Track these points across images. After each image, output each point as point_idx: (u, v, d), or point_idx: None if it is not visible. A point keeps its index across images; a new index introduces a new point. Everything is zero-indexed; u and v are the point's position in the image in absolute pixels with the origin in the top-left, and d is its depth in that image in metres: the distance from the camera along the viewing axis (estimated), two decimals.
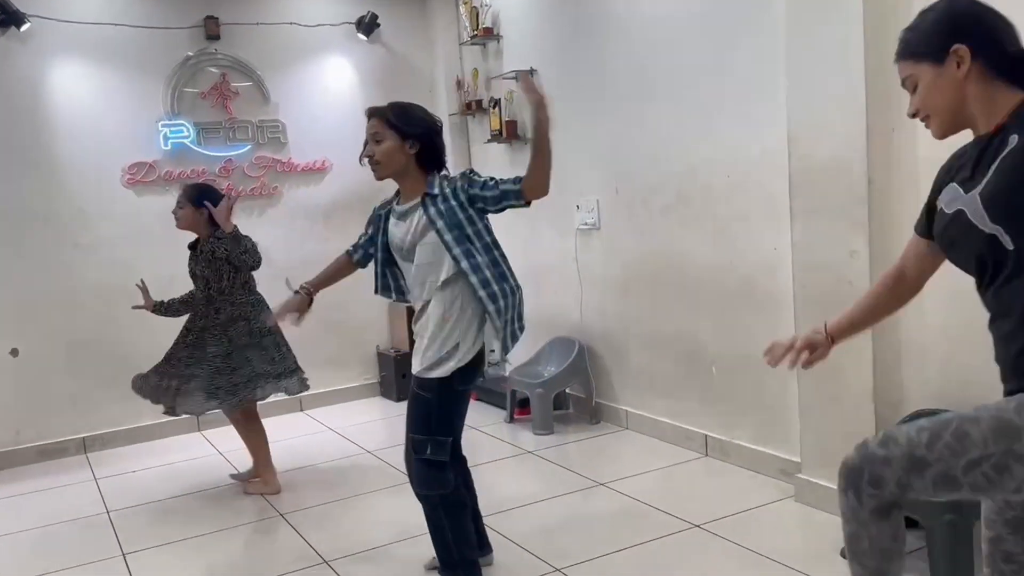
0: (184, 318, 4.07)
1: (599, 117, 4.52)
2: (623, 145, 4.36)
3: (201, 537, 3.55)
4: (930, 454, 1.34)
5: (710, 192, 3.87)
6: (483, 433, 4.79)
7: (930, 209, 1.69)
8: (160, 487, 4.24)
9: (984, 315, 2.83)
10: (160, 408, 4.02)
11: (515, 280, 2.80)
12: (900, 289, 1.93)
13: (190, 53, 5.17)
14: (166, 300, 4.11)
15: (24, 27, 4.72)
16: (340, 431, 5.05)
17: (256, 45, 5.35)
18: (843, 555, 2.88)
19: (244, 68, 5.32)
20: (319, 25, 5.51)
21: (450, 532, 2.74)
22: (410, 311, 6.05)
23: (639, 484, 3.77)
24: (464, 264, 2.63)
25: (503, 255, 2.77)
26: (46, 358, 4.91)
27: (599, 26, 4.44)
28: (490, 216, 2.76)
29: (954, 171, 1.63)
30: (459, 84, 5.65)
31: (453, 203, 2.66)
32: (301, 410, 5.57)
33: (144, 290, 4.12)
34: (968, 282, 2.85)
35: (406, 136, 2.67)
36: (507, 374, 5.18)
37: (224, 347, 3.84)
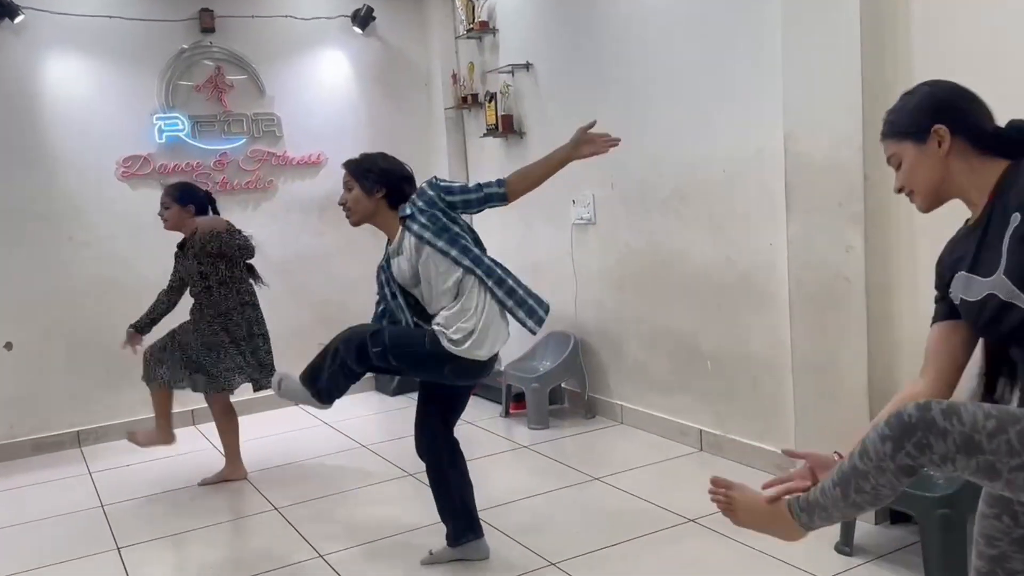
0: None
1: (595, 112, 4.49)
2: (620, 141, 4.35)
3: (196, 531, 3.55)
4: (989, 444, 1.35)
5: (706, 188, 3.87)
6: (478, 428, 4.79)
7: (942, 299, 1.74)
8: (155, 481, 4.24)
9: None
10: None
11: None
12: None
13: (185, 46, 5.14)
14: (139, 323, 4.23)
15: (18, 19, 4.69)
16: (335, 425, 5.05)
17: (251, 38, 5.33)
18: (839, 550, 2.90)
19: (239, 61, 5.30)
20: (314, 18, 5.49)
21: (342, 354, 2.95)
22: None
23: (634, 479, 3.78)
24: (466, 262, 2.84)
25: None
26: (41, 352, 4.89)
27: (595, 21, 4.43)
28: (477, 220, 3.01)
29: (957, 261, 1.69)
30: (455, 78, 5.64)
31: (435, 211, 2.86)
32: (296, 404, 5.56)
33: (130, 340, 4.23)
34: None
35: (370, 185, 2.94)
36: (502, 368, 5.19)
37: (221, 336, 3.93)
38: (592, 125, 2.97)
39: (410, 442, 4.69)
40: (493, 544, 3.13)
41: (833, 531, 2.95)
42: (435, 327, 2.84)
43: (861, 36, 2.92)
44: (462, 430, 4.84)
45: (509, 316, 2.92)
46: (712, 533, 3.15)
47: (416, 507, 3.61)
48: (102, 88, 4.98)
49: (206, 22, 5.15)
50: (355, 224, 3.06)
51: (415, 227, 2.84)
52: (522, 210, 5.26)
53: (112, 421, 5.06)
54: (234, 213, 5.31)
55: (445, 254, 2.81)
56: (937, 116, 1.68)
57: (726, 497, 1.78)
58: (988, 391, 1.71)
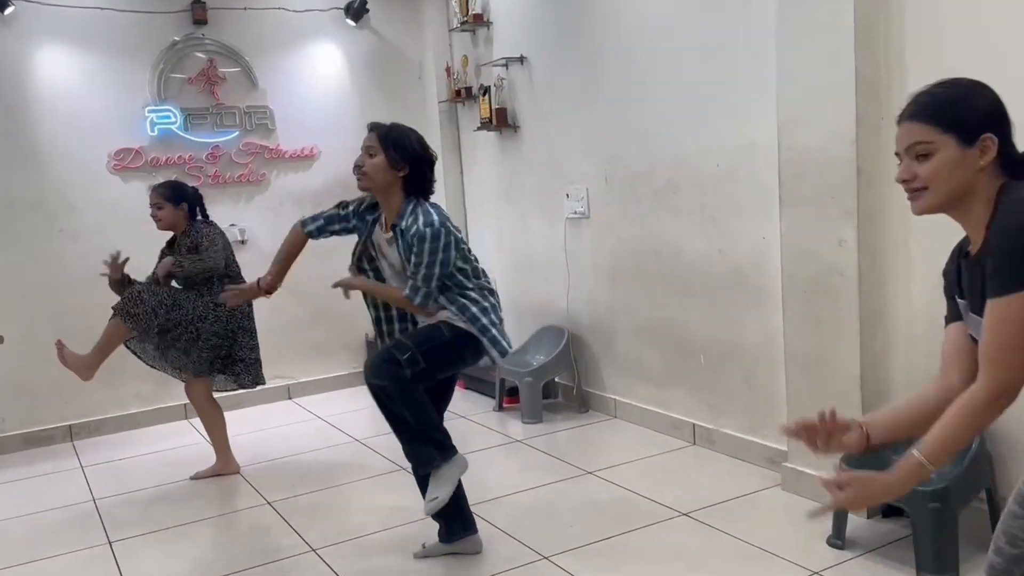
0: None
1: (589, 105, 4.50)
2: (613, 134, 4.35)
3: (188, 525, 3.54)
4: None
5: (700, 181, 3.87)
6: (472, 422, 4.79)
7: (951, 299, 1.71)
8: (147, 475, 4.22)
9: None
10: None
11: (489, 287, 3.03)
12: (951, 397, 1.70)
13: (177, 38, 5.12)
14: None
15: (8, 10, 4.66)
16: (328, 419, 5.05)
17: (244, 30, 5.30)
18: (831, 544, 2.90)
19: (232, 53, 5.28)
20: (307, 10, 5.46)
21: (413, 414, 2.79)
22: None
23: (627, 472, 3.78)
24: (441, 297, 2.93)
25: (474, 268, 2.98)
26: (32, 345, 4.86)
27: (590, 14, 4.41)
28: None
29: (956, 285, 1.67)
30: (449, 71, 5.62)
31: (408, 249, 2.87)
32: (289, 398, 5.56)
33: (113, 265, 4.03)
34: None
35: (397, 159, 2.85)
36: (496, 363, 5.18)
37: (217, 326, 3.94)
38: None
39: None
40: (486, 538, 3.13)
41: (825, 525, 2.96)
42: (443, 314, 2.90)
43: (855, 29, 2.91)
44: (455, 424, 4.85)
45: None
46: (704, 527, 3.15)
47: (409, 501, 3.60)
48: (93, 80, 4.95)
49: (198, 14, 5.12)
50: (363, 189, 2.96)
51: (402, 243, 2.88)
52: (516, 204, 5.26)
53: (104, 415, 5.05)
54: (226, 206, 5.30)
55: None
56: (991, 124, 1.55)
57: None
58: None
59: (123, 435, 4.99)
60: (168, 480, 4.12)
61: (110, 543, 3.41)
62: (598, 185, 4.52)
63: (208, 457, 4.20)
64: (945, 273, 1.73)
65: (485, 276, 3.03)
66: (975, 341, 1.60)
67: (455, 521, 3.01)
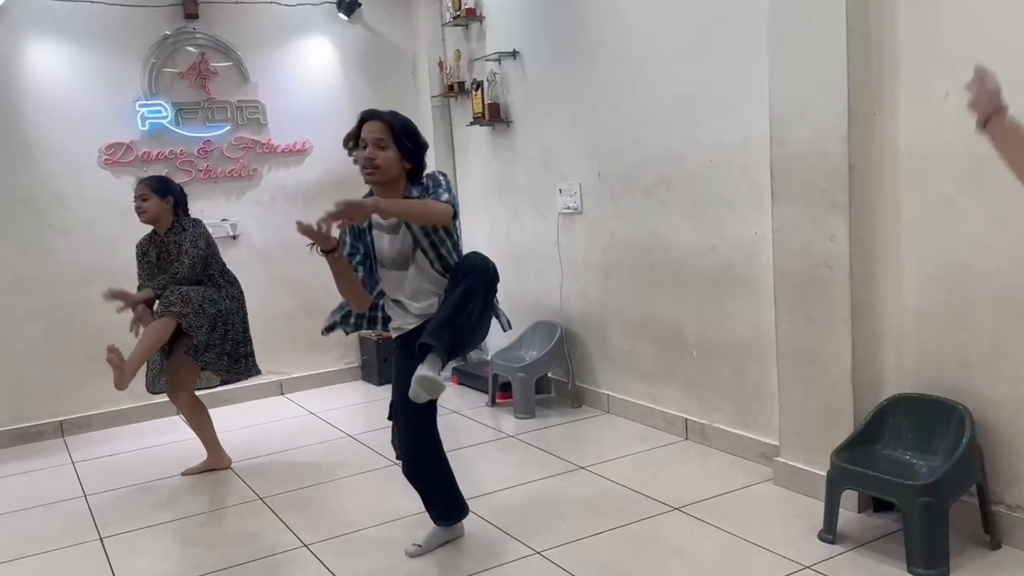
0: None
1: (582, 100, 4.50)
2: (606, 129, 4.35)
3: (179, 521, 3.53)
4: None
5: (692, 176, 3.87)
6: (465, 417, 4.79)
7: None
8: (138, 471, 4.21)
9: (961, 301, 2.87)
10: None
11: None
12: None
13: (168, 32, 5.09)
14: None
15: None
16: (321, 415, 5.04)
17: (235, 24, 5.27)
18: (822, 538, 2.91)
19: (223, 48, 5.25)
20: (299, 4, 5.44)
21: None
22: None
23: (619, 467, 3.78)
24: (438, 266, 2.85)
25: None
26: (21, 340, 4.85)
27: (582, 8, 4.40)
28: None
29: None
30: (441, 66, 5.60)
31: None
32: (282, 393, 5.55)
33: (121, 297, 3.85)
34: (944, 267, 2.88)
35: (408, 152, 2.81)
36: (489, 358, 5.18)
37: (240, 316, 3.99)
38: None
39: None
40: (479, 533, 3.13)
41: (816, 519, 2.97)
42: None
43: (847, 24, 2.91)
44: (448, 419, 4.85)
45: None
46: (697, 521, 3.16)
47: (401, 496, 3.60)
48: (84, 74, 4.92)
49: (189, 8, 5.10)
50: (373, 183, 2.84)
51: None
52: (509, 199, 5.25)
53: (95, 411, 5.03)
54: (218, 201, 5.29)
55: (425, 253, 2.85)
56: None
57: None
58: None
59: (114, 431, 4.98)
60: (159, 476, 4.11)
61: (101, 539, 3.40)
62: (591, 180, 4.52)
63: (199, 452, 4.18)
64: None
65: None
66: None
67: (456, 501, 3.09)
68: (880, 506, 3.09)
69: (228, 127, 5.30)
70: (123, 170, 5.03)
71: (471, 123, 5.29)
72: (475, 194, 5.63)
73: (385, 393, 5.45)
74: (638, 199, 4.20)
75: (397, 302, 2.96)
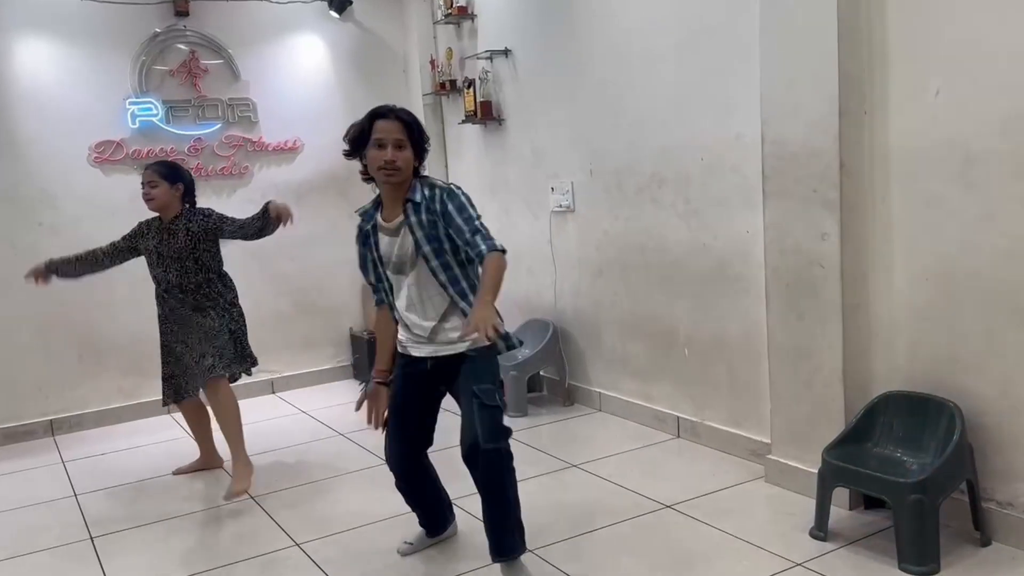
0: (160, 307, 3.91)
1: (574, 98, 4.49)
2: (598, 127, 4.35)
3: (170, 520, 3.52)
4: None
5: (684, 175, 3.87)
6: (455, 415, 4.77)
7: None
8: (129, 470, 4.19)
9: (951, 298, 2.88)
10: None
11: None
12: None
13: (158, 29, 5.07)
14: (56, 259, 3.85)
15: None
16: (313, 413, 5.03)
17: (226, 22, 5.25)
18: (813, 535, 2.92)
19: (214, 45, 5.23)
20: (290, 2, 5.43)
21: (513, 483, 2.71)
22: None
23: (612, 465, 3.79)
24: (442, 276, 2.68)
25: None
26: (12, 340, 4.82)
27: (574, 6, 4.40)
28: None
29: None
30: (433, 64, 5.59)
31: (434, 216, 2.65)
32: (273, 392, 5.54)
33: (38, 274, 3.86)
34: (934, 265, 2.89)
35: (420, 152, 2.70)
36: None
37: (224, 323, 3.80)
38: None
39: None
40: (471, 532, 3.13)
41: (808, 516, 2.98)
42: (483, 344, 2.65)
43: (838, 23, 2.92)
44: (440, 417, 4.84)
45: None
46: (689, 519, 3.16)
47: (394, 496, 3.59)
48: (74, 72, 4.89)
49: (180, 5, 5.07)
50: (396, 184, 2.65)
51: (413, 219, 2.64)
52: (501, 198, 5.24)
53: (85, 410, 5.01)
54: (209, 199, 5.24)
55: (427, 261, 2.67)
56: None
57: None
58: None
59: (105, 430, 4.96)
60: (150, 475, 4.09)
61: (91, 538, 3.39)
62: (583, 178, 4.52)
63: (190, 451, 4.17)
64: None
65: None
66: None
67: (444, 515, 3.10)
68: (871, 503, 3.10)
69: (219, 125, 5.28)
70: (113, 168, 5.00)
71: (463, 121, 5.29)
72: (467, 192, 5.61)
73: None
74: (630, 198, 4.20)
75: (405, 314, 2.77)
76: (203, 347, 3.73)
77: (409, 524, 3.16)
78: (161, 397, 3.96)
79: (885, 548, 2.78)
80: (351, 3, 5.50)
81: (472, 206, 2.68)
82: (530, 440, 4.25)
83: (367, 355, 5.60)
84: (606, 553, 2.96)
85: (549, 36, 4.64)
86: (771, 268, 3.31)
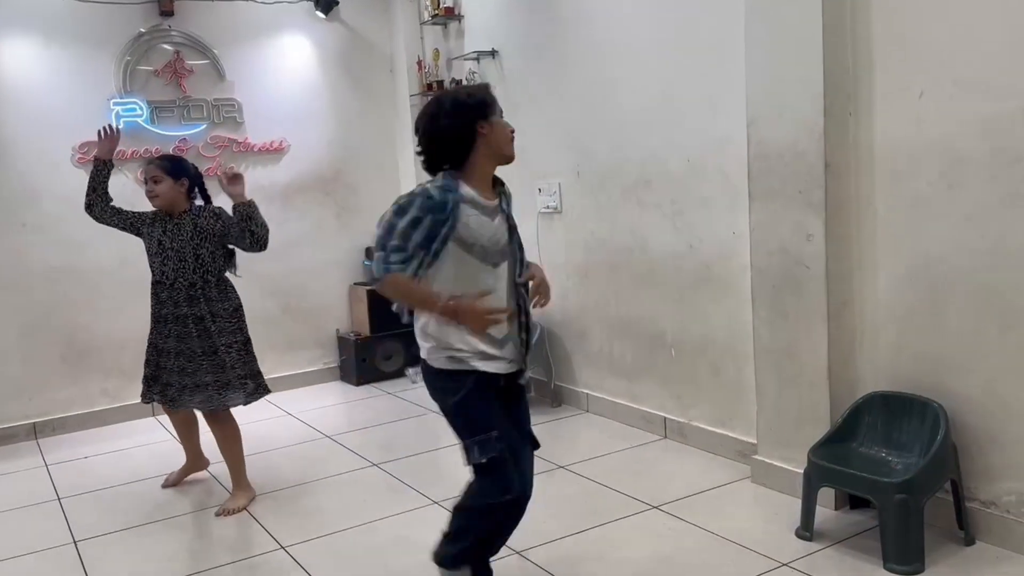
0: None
1: (561, 100, 4.50)
2: (585, 129, 4.35)
3: (155, 523, 3.49)
4: None
5: (671, 176, 3.88)
6: (442, 417, 4.76)
7: None
8: (113, 473, 4.16)
9: (935, 298, 2.90)
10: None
11: None
12: None
13: (143, 29, 5.03)
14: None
15: None
16: (299, 416, 5.00)
17: (211, 22, 5.23)
18: (799, 535, 2.93)
19: (199, 45, 5.20)
20: (276, 2, 5.40)
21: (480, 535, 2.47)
22: (371, 293, 5.99)
23: (598, 466, 3.79)
24: (518, 275, 2.52)
25: None
26: None
27: (560, 8, 4.41)
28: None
29: None
30: (420, 64, 5.58)
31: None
32: None
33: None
34: (919, 266, 2.91)
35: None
36: None
37: (237, 337, 3.62)
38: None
39: (375, 432, 4.68)
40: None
41: (794, 516, 2.99)
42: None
43: (823, 24, 2.93)
44: (426, 419, 4.84)
45: None
46: (675, 519, 3.17)
47: (380, 498, 3.59)
48: (57, 72, 4.85)
49: (165, 5, 5.04)
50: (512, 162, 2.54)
51: (506, 207, 2.51)
52: None
53: (69, 412, 4.96)
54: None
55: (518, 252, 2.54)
56: None
57: None
58: None
59: (89, 432, 4.91)
60: (135, 478, 4.06)
61: (75, 542, 3.36)
62: (570, 180, 4.52)
63: (175, 454, 4.14)
64: None
65: None
66: None
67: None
68: (856, 503, 3.11)
69: (204, 126, 5.25)
70: None
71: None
72: None
73: (364, 393, 5.46)
74: (617, 199, 4.20)
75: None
76: (217, 375, 3.52)
77: (396, 527, 3.14)
78: (143, 396, 3.70)
79: (870, 548, 2.79)
80: (337, 3, 5.49)
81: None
82: None
83: (354, 356, 5.59)
84: (593, 554, 2.95)
85: (536, 38, 4.64)
86: (756, 269, 3.32)
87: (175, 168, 3.53)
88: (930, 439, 2.77)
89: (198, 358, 3.53)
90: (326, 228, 5.70)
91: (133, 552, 3.25)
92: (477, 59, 5.03)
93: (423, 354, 2.49)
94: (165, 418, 4.99)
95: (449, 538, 2.53)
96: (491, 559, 2.60)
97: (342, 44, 5.67)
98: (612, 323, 4.38)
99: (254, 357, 3.69)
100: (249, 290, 5.46)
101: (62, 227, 4.87)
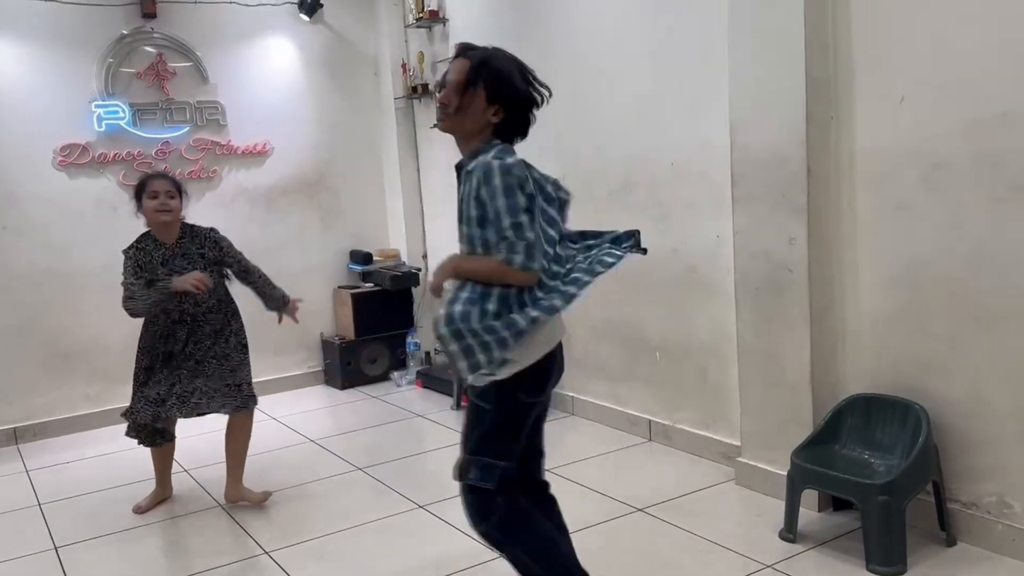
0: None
1: (544, 103, 4.49)
2: (569, 133, 4.36)
3: (137, 528, 3.47)
4: None
5: (655, 180, 3.89)
6: (429, 420, 4.77)
7: None
8: (95, 478, 4.13)
9: (917, 301, 2.92)
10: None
11: None
12: None
13: (125, 31, 5.00)
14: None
15: None
16: (283, 420, 4.98)
17: (194, 24, 5.20)
18: (783, 537, 2.95)
19: (182, 48, 5.17)
20: (260, 4, 5.38)
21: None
22: (355, 296, 5.98)
23: (584, 469, 3.79)
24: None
25: None
26: None
27: (544, 12, 4.41)
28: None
29: None
30: (405, 67, 5.58)
31: None
32: None
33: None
34: (901, 269, 2.93)
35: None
36: None
37: (236, 346, 3.64)
38: None
39: (360, 435, 4.66)
40: (442, 538, 3.11)
41: (777, 518, 3.00)
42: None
43: (805, 30, 2.95)
44: (413, 423, 4.84)
45: None
46: (660, 522, 3.18)
47: (364, 502, 3.58)
48: (38, 73, 4.81)
49: (147, 7, 5.01)
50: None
51: None
52: None
53: (50, 417, 4.91)
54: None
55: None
56: None
57: None
58: None
59: (70, 437, 4.87)
60: (117, 483, 4.02)
61: (56, 548, 3.33)
62: None
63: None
64: None
65: None
66: None
67: None
68: (839, 505, 3.13)
69: (187, 128, 5.22)
70: (79, 172, 4.93)
71: (435, 125, 5.22)
72: (439, 196, 5.61)
73: (349, 397, 5.45)
74: (601, 202, 4.21)
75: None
76: (235, 376, 3.57)
77: (382, 533, 3.13)
78: (154, 418, 3.48)
79: (853, 549, 2.81)
80: (321, 5, 5.47)
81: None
82: None
83: (338, 360, 5.57)
84: (579, 557, 2.95)
85: (520, 40, 4.64)
86: (740, 272, 3.34)
87: (182, 189, 3.55)
88: (912, 441, 2.79)
89: (218, 370, 3.54)
90: (310, 231, 5.68)
91: (114, 558, 3.22)
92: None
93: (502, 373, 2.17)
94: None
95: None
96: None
97: (326, 47, 5.66)
98: (597, 326, 4.39)
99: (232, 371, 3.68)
100: (233, 293, 5.44)
101: (44, 230, 4.84)
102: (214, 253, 3.52)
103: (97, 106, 4.94)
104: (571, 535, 3.10)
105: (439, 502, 3.42)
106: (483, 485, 2.16)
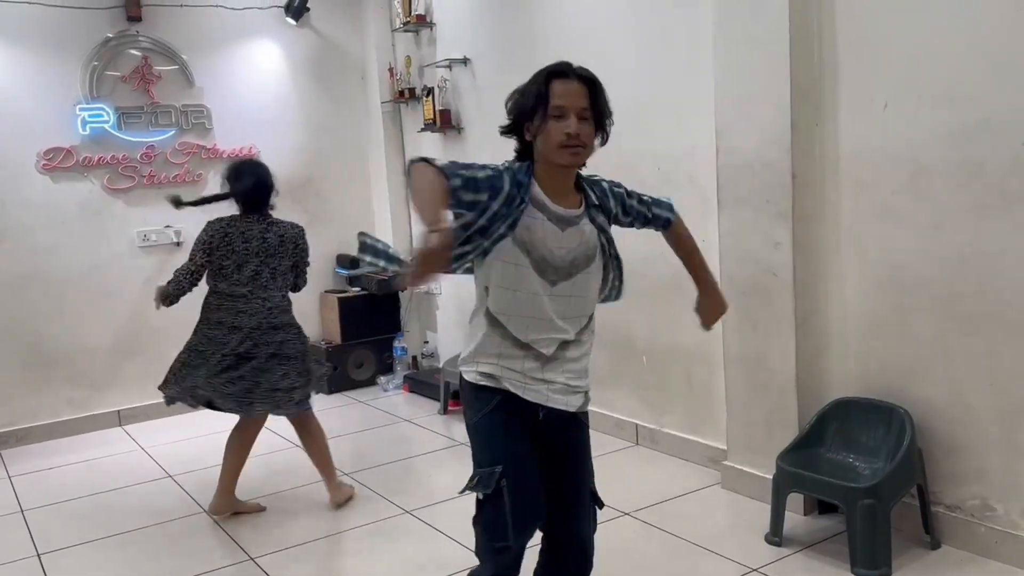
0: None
1: None
2: None
3: (122, 535, 3.44)
4: None
5: (642, 184, 3.83)
6: (417, 425, 4.76)
7: None
8: (79, 484, 4.09)
9: (901, 306, 2.94)
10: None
11: None
12: None
13: (110, 35, 4.97)
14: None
15: None
16: (268, 425, 4.94)
17: (180, 28, 5.17)
18: (769, 541, 2.96)
19: (167, 51, 5.15)
20: (246, 8, 5.36)
21: None
22: (342, 301, 5.95)
23: None
24: (596, 285, 2.21)
25: None
26: None
27: (531, 16, 4.42)
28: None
29: None
30: (392, 71, 5.57)
31: (607, 214, 2.20)
32: None
33: None
34: (887, 275, 2.95)
35: (603, 122, 2.12)
36: (440, 366, 5.16)
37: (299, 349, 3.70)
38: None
39: (346, 441, 4.63)
40: (430, 542, 3.10)
41: (763, 522, 3.01)
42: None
43: (790, 37, 2.97)
44: (400, 427, 4.82)
45: None
46: (647, 526, 3.18)
47: (350, 508, 3.57)
48: (22, 77, 4.77)
49: (132, 10, 4.98)
50: (578, 166, 2.20)
51: (599, 220, 2.21)
52: None
53: (33, 423, 4.86)
54: (161, 207, 5.14)
55: (608, 272, 2.33)
56: None
57: None
58: None
59: (53, 443, 4.82)
60: (101, 489, 3.99)
61: (39, 555, 3.30)
62: None
63: (143, 464, 4.08)
64: None
65: None
66: None
67: None
68: (824, 508, 3.15)
69: (173, 132, 5.19)
70: (63, 175, 4.89)
71: (422, 129, 5.27)
72: None
73: (336, 401, 5.43)
74: None
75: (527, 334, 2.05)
76: (291, 380, 3.63)
77: (367, 538, 3.12)
78: (182, 399, 3.64)
79: (838, 552, 2.82)
80: (308, 9, 5.46)
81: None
82: None
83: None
84: None
85: (507, 45, 4.65)
86: (726, 277, 3.35)
87: None
88: (896, 445, 2.81)
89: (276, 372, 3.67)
90: None
91: (97, 564, 3.20)
92: (449, 67, 5.04)
93: (460, 359, 2.18)
94: (133, 428, 4.94)
95: None
96: None
97: (313, 51, 5.64)
98: None
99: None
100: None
101: (27, 234, 4.79)
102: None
103: (82, 109, 4.90)
104: None
105: (426, 507, 3.41)
106: (483, 491, 2.18)
